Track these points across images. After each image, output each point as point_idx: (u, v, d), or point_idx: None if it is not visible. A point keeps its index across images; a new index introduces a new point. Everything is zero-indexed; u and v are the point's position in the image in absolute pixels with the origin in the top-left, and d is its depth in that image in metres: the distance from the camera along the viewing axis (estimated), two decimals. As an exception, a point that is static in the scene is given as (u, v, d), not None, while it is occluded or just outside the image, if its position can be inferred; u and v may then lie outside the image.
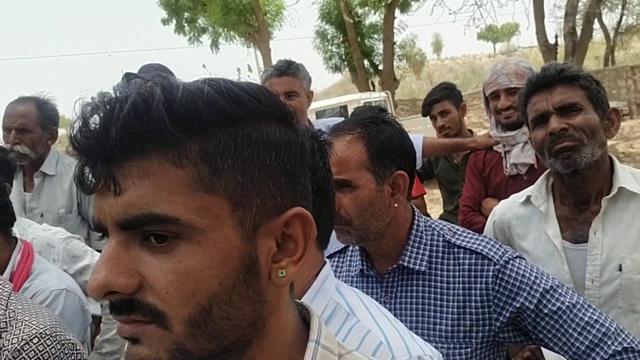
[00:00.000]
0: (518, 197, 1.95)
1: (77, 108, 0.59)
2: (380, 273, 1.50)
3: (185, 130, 0.58)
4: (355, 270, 1.54)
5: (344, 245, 1.60)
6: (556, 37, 13.16)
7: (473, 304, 1.39)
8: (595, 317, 1.38)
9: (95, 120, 0.58)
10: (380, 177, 1.40)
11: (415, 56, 27.66)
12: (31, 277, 1.79)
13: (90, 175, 0.60)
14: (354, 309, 1.08)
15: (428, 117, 3.50)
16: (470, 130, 3.46)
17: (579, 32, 12.67)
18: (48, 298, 1.72)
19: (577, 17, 13.01)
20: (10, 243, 1.81)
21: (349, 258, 1.59)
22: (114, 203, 0.58)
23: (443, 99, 3.38)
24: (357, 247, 1.55)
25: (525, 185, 2.07)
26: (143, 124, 0.57)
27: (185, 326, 0.59)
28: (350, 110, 12.95)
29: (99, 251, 2.74)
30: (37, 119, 2.90)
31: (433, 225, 1.51)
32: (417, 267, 1.44)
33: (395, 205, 1.43)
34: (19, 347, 1.22)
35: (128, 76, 3.41)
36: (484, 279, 1.39)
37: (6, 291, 1.34)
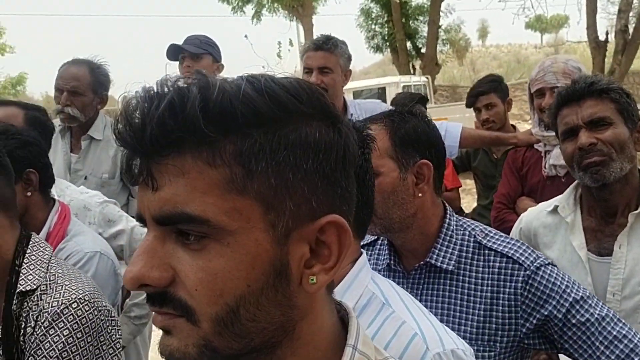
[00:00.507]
0: (546, 206, 1.95)
1: (121, 102, 0.60)
2: (407, 269, 1.50)
3: (220, 130, 0.57)
4: (382, 264, 1.54)
5: (374, 238, 1.60)
6: (607, 33, 12.76)
7: (500, 307, 1.38)
8: (624, 332, 1.37)
9: (136, 115, 0.58)
10: (403, 166, 1.40)
11: (460, 41, 27.18)
12: (66, 238, 1.83)
13: (134, 168, 0.61)
14: (389, 299, 1.09)
15: (472, 108, 3.44)
16: (513, 126, 3.41)
17: (631, 30, 12.26)
18: (82, 260, 1.77)
19: (631, 14, 12.57)
20: (48, 204, 1.86)
21: (377, 251, 1.59)
22: (151, 198, 0.59)
23: (490, 92, 3.32)
24: (385, 242, 1.55)
25: (563, 187, 2.05)
26: (178, 123, 0.57)
27: (213, 324, 0.60)
28: (388, 93, 12.86)
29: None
30: (89, 83, 2.94)
31: (465, 225, 1.50)
32: (444, 265, 1.43)
33: (420, 195, 1.42)
34: (58, 311, 1.26)
35: (173, 48, 3.45)
36: (513, 284, 1.38)
37: (47, 254, 1.39)
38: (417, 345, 1.01)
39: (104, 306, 1.34)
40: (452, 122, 3.02)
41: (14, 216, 1.42)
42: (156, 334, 3.11)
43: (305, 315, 0.65)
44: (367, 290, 1.09)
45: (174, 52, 3.44)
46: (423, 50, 19.53)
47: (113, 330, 1.35)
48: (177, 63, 3.50)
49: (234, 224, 0.58)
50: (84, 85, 2.94)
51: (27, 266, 1.34)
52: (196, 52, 3.40)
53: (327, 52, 2.87)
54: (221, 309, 0.59)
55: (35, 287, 1.31)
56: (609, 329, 1.37)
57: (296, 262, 0.62)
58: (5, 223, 1.38)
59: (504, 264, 1.40)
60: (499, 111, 3.31)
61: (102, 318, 1.32)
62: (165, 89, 0.58)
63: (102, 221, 2.32)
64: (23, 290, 1.31)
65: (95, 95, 2.99)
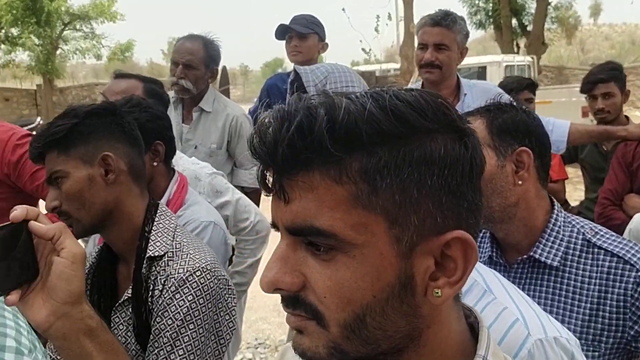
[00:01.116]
0: None
1: (257, 121, 0.65)
2: (509, 262, 1.49)
3: (346, 149, 0.60)
4: (484, 257, 1.54)
5: None
6: None
7: (607, 307, 1.36)
8: None
9: (269, 133, 0.62)
10: (501, 154, 1.39)
11: (569, 19, 25.72)
12: (184, 207, 1.96)
13: (268, 180, 0.65)
14: (491, 287, 1.10)
15: (586, 95, 3.29)
16: (626, 117, 3.24)
17: None
18: (197, 228, 1.88)
19: None
20: (169, 173, 2.00)
21: (479, 243, 1.59)
22: (284, 210, 0.63)
23: (610, 80, 3.15)
24: (488, 234, 1.55)
25: None
26: (306, 144, 0.60)
27: (341, 329, 0.63)
28: (489, 72, 12.44)
29: (240, 187, 2.95)
30: (202, 58, 3.11)
31: (573, 222, 1.47)
32: (549, 261, 1.41)
33: (520, 182, 1.40)
34: (184, 278, 1.38)
35: (281, 28, 3.56)
36: (622, 284, 1.35)
37: (173, 223, 1.51)
38: (518, 330, 1.01)
39: (223, 276, 1.44)
40: (560, 120, 2.91)
41: (144, 185, 1.55)
42: (249, 297, 3.28)
43: (431, 324, 0.67)
44: (469, 277, 1.11)
45: (282, 32, 3.56)
46: (529, 28, 18.71)
47: (229, 298, 1.45)
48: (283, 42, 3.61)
49: (360, 237, 0.61)
50: (198, 59, 3.11)
51: (155, 233, 1.46)
52: (303, 31, 3.49)
53: (444, 28, 2.78)
54: (348, 316, 0.62)
55: (163, 253, 1.42)
56: None
57: (421, 274, 0.64)
58: (137, 192, 1.51)
59: (614, 264, 1.37)
60: (616, 102, 3.14)
61: (221, 287, 1.42)
62: (293, 111, 0.61)
63: (211, 191, 2.45)
64: (152, 255, 1.42)
65: (207, 70, 3.16)
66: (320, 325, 0.64)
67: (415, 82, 3.04)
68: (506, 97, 1.61)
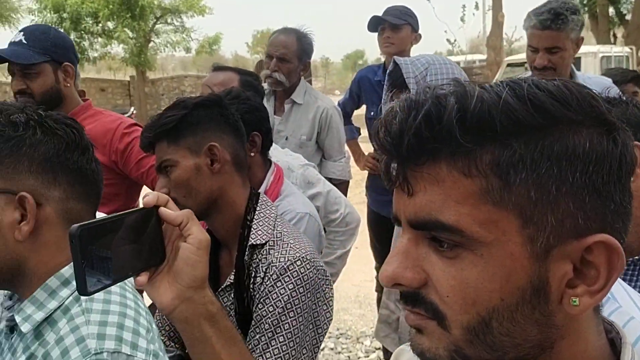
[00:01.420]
0: None
1: (383, 111, 0.63)
2: None
3: (477, 140, 0.56)
4: None
5: None
6: None
7: None
8: None
9: (395, 123, 0.60)
10: None
11: (672, 7, 24.05)
12: (280, 197, 2.00)
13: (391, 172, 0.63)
14: (614, 294, 1.04)
15: None
16: None
17: None
18: (294, 219, 1.91)
19: None
20: (266, 164, 2.04)
21: None
22: (407, 202, 0.61)
23: None
24: None
25: None
26: (434, 133, 0.57)
27: (464, 332, 0.60)
28: (583, 64, 11.84)
29: (328, 179, 2.98)
30: (295, 51, 3.16)
31: None
32: None
33: (632, 179, 1.33)
34: (285, 266, 1.41)
35: (374, 19, 3.56)
36: None
37: (273, 213, 1.55)
38: None
39: (321, 266, 1.47)
40: None
41: (245, 175, 1.60)
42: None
43: (566, 335, 0.62)
44: None
45: (375, 24, 3.55)
46: (627, 17, 17.65)
47: (327, 289, 1.47)
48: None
49: (489, 235, 0.57)
50: (291, 52, 3.15)
51: (257, 222, 1.51)
52: (396, 22, 3.47)
53: (555, 31, 2.58)
54: (473, 318, 0.59)
55: (264, 241, 1.47)
56: None
57: (557, 280, 0.59)
58: (240, 181, 1.56)
59: None
60: None
61: (320, 277, 1.45)
62: (422, 100, 0.59)
63: (303, 182, 2.48)
64: (254, 243, 1.47)
65: (299, 63, 3.20)
66: (441, 326, 0.61)
67: (524, 73, 2.89)
68: (614, 91, 1.53)
